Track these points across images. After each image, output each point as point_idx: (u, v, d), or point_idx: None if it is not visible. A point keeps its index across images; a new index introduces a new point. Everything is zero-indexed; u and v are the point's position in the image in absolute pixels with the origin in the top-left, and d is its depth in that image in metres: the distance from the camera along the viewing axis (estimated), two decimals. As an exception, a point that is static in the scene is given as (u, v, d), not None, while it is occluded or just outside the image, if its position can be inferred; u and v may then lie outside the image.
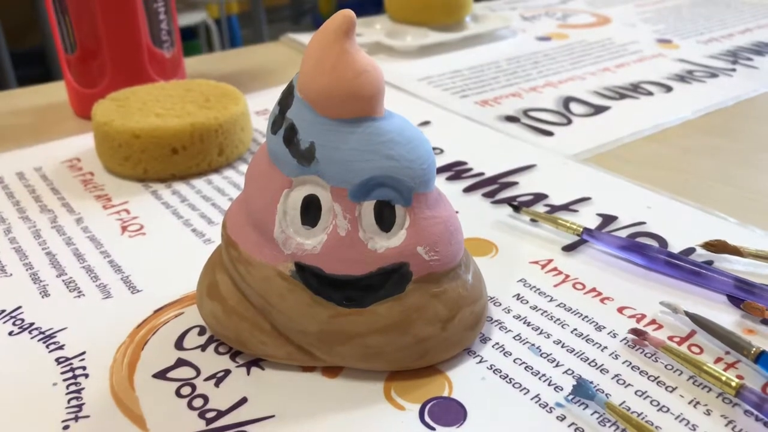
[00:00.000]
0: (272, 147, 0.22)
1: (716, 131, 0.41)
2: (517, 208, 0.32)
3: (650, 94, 0.46)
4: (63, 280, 0.28)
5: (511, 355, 0.24)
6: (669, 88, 0.47)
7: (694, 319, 0.24)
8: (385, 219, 0.21)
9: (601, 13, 0.66)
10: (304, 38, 0.58)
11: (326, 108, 0.21)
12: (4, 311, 0.26)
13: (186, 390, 0.22)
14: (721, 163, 0.37)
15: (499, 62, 0.53)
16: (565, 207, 0.33)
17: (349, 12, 0.21)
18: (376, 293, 0.22)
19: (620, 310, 0.26)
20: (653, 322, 0.25)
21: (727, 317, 0.25)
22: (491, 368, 0.23)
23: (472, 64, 0.53)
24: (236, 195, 0.34)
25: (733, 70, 0.50)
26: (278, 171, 0.22)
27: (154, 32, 0.42)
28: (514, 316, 0.25)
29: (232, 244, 0.23)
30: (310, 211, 0.21)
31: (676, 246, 0.29)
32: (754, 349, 0.23)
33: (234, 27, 2.29)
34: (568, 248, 0.30)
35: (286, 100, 0.22)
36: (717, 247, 0.28)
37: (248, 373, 0.23)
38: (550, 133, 0.41)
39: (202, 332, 0.25)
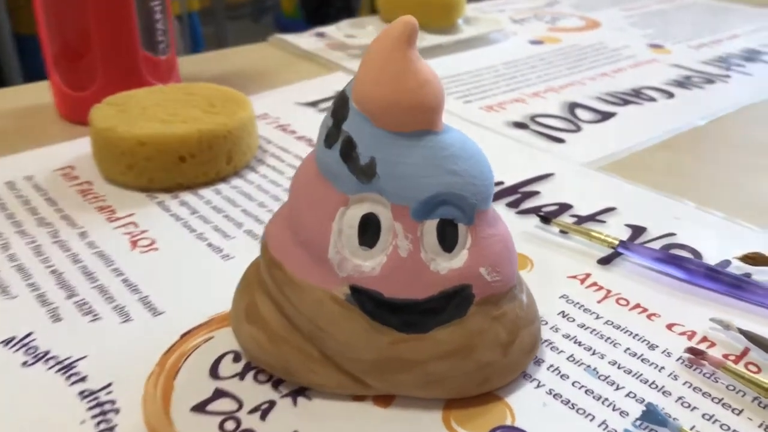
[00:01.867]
0: (326, 162, 0.20)
1: (726, 138, 0.41)
2: (547, 220, 0.31)
3: (653, 100, 0.46)
4: (75, 302, 0.26)
5: (568, 378, 0.23)
6: (670, 94, 0.47)
7: (749, 336, 0.24)
8: (447, 239, 0.20)
9: (590, 16, 0.66)
10: (294, 39, 0.57)
11: (387, 120, 0.19)
12: (13, 338, 0.24)
13: (230, 425, 0.20)
14: (737, 171, 0.37)
15: (496, 66, 0.52)
16: (592, 218, 0.32)
17: (410, 18, 0.19)
18: (437, 317, 0.20)
19: (669, 326, 0.25)
20: (705, 339, 0.24)
21: (776, 333, 0.25)
22: (551, 393, 0.22)
23: (470, 68, 0.52)
24: (248, 206, 0.32)
25: (728, 76, 0.51)
26: (332, 187, 0.20)
27: (149, 32, 0.40)
28: (563, 335, 0.24)
29: (276, 265, 0.21)
30: (369, 231, 0.20)
31: (710, 258, 0.29)
32: (814, 367, 0.22)
33: (195, 24, 2.24)
34: (604, 261, 0.29)
35: (340, 112, 0.20)
36: (755, 259, 0.28)
37: (295, 404, 0.21)
38: (561, 140, 0.40)
39: (237, 358, 0.23)
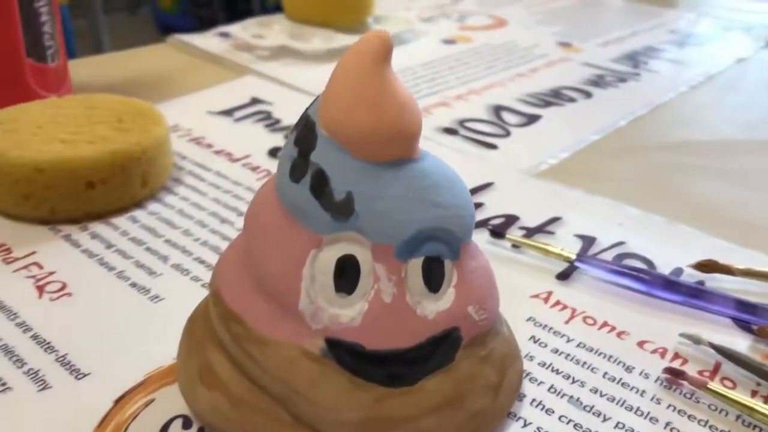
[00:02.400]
0: (292, 198, 0.17)
1: (649, 138, 0.42)
2: (500, 235, 0.29)
3: (573, 100, 0.46)
4: (-25, 370, 0.21)
5: (553, 412, 0.21)
6: (588, 94, 0.47)
7: (720, 350, 0.23)
8: (433, 278, 0.18)
9: (496, 14, 0.65)
10: (195, 40, 0.52)
11: (365, 150, 0.17)
12: None
13: None
14: (668, 172, 0.38)
15: (414, 68, 0.50)
16: (540, 229, 0.31)
17: (385, 34, 0.17)
18: (425, 366, 0.18)
19: (640, 345, 0.24)
20: (677, 355, 0.24)
21: (741, 342, 0.25)
22: (539, 431, 0.20)
23: (386, 69, 0.50)
24: (172, 235, 0.29)
25: (638, 74, 0.52)
26: (301, 228, 0.17)
27: (35, 37, 0.35)
28: (538, 364, 0.23)
29: (235, 318, 0.18)
30: (347, 275, 0.17)
31: (663, 267, 0.29)
32: (789, 379, 0.22)
33: (65, 17, 2.08)
34: (562, 276, 0.28)
35: (306, 140, 0.17)
36: (708, 266, 0.28)
37: (264, 476, 0.18)
38: (493, 146, 0.39)
39: (187, 424, 0.20)
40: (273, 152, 0.36)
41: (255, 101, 0.43)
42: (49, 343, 0.23)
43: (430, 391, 0.18)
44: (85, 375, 0.21)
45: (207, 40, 0.53)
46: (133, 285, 0.26)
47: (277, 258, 0.18)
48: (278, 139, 0.38)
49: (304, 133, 0.18)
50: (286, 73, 0.47)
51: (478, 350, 0.19)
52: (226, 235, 0.29)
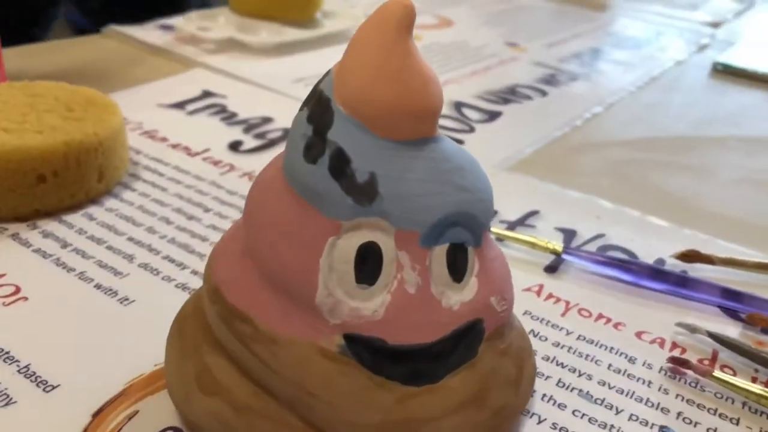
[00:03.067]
0: (307, 180, 0.16)
1: (606, 135, 0.42)
2: (485, 229, 0.28)
3: (530, 98, 0.46)
4: None
5: (566, 407, 0.20)
6: (544, 92, 0.47)
7: (718, 339, 0.23)
8: (458, 266, 0.17)
9: (441, 14, 0.65)
10: (135, 32, 0.49)
11: (388, 127, 0.16)
12: None
13: None
14: (629, 167, 0.38)
15: (368, 63, 0.49)
16: (521, 222, 0.30)
17: (408, 1, 0.16)
18: (448, 362, 0.17)
19: (638, 335, 0.24)
20: (675, 345, 0.24)
21: (731, 329, 0.25)
22: (555, 427, 0.20)
23: (339, 65, 0.48)
24: (135, 233, 0.26)
25: (587, 74, 0.53)
26: (317, 213, 0.16)
27: (-34, 17, 0.32)
28: (542, 358, 0.22)
29: (240, 317, 0.16)
30: (368, 265, 0.16)
31: (645, 257, 0.29)
32: (787, 364, 0.22)
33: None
34: (550, 270, 0.27)
35: (322, 117, 0.16)
36: (691, 257, 0.28)
37: (273, 489, 0.17)
38: (460, 141, 0.38)
39: (179, 437, 0.18)
40: (233, 146, 0.34)
41: (207, 94, 0.40)
42: (7, 352, 0.20)
43: (454, 388, 0.17)
44: (54, 387, 0.19)
45: (148, 32, 0.50)
46: (98, 287, 0.23)
47: (290, 248, 0.16)
48: (237, 133, 0.36)
49: (319, 109, 0.16)
50: (235, 66, 0.45)
51: (497, 343, 0.18)
52: (195, 232, 0.27)
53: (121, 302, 0.23)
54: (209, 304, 0.17)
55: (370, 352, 0.16)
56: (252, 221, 0.17)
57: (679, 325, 0.24)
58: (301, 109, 0.17)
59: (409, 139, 0.16)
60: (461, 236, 0.17)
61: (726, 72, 0.57)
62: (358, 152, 0.16)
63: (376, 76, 0.15)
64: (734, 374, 0.22)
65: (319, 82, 0.17)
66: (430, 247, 0.16)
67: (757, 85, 0.55)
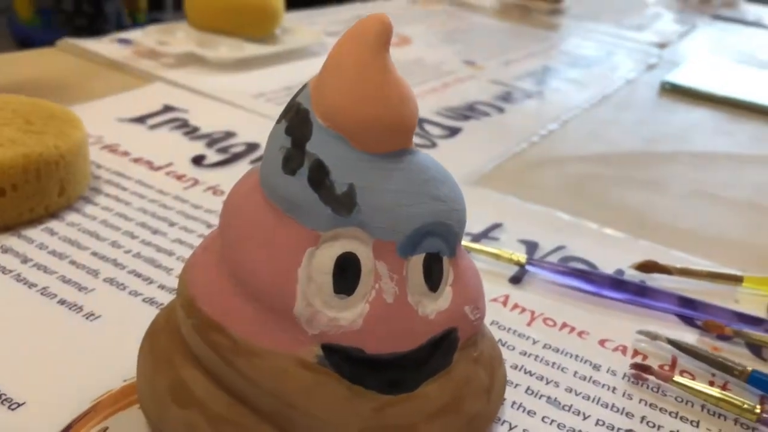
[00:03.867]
0: (286, 191, 0.16)
1: (563, 150, 0.43)
2: (450, 241, 0.29)
3: (488, 115, 0.47)
4: None
5: (535, 414, 0.21)
6: (501, 109, 0.49)
7: (677, 345, 0.24)
8: (433, 276, 0.17)
9: (399, 32, 0.66)
10: (92, 45, 0.48)
11: (366, 140, 0.16)
12: None
13: None
14: (587, 180, 0.39)
15: (329, 79, 0.49)
16: (485, 235, 0.31)
17: (385, 17, 0.16)
18: (425, 370, 0.17)
19: (602, 343, 0.25)
20: (636, 352, 0.24)
21: (689, 336, 0.26)
22: (526, 434, 0.20)
23: (299, 80, 0.48)
24: (98, 247, 0.26)
25: (542, 92, 0.54)
26: (296, 224, 0.16)
27: None
28: (511, 367, 0.23)
29: (216, 328, 0.16)
30: (347, 275, 0.16)
31: (605, 268, 0.29)
32: (741, 369, 0.23)
33: None
34: (515, 280, 0.28)
35: (301, 129, 0.16)
36: (648, 267, 0.29)
37: (250, 503, 0.17)
38: (423, 156, 0.39)
39: (153, 453, 0.18)
40: (196, 160, 0.34)
41: (168, 108, 0.40)
42: (-32, 371, 0.19)
43: (430, 396, 0.17)
44: (19, 405, 0.18)
45: (104, 46, 0.49)
46: (62, 302, 0.23)
47: (269, 258, 0.16)
48: (199, 147, 0.35)
49: (297, 121, 0.16)
50: (195, 80, 0.45)
51: (471, 351, 0.18)
52: (160, 246, 0.26)
53: (87, 318, 0.22)
54: (184, 316, 0.17)
55: (348, 362, 0.16)
56: (229, 232, 0.17)
57: (640, 332, 0.25)
58: (278, 122, 0.17)
59: (387, 152, 0.16)
60: (437, 246, 0.17)
61: (673, 91, 0.60)
62: (336, 164, 0.16)
63: (355, 90, 0.16)
64: (693, 379, 0.23)
65: (297, 95, 0.17)
66: (407, 256, 0.17)
67: (701, 104, 0.58)
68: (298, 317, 0.16)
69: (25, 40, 2.28)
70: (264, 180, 0.17)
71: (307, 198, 0.16)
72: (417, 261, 0.17)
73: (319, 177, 0.16)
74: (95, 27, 1.75)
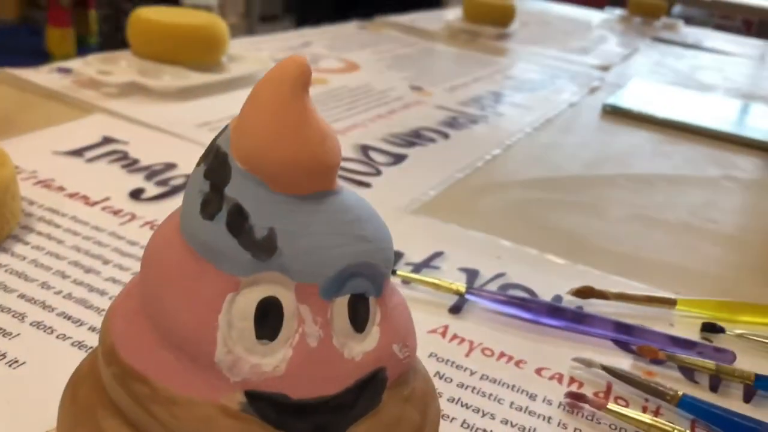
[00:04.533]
0: (204, 237, 0.16)
1: (505, 175, 0.44)
2: (392, 272, 0.29)
3: (433, 140, 0.48)
4: None
5: (471, 448, 0.21)
6: (446, 135, 0.49)
7: (611, 372, 0.25)
8: (359, 317, 0.17)
9: (347, 58, 0.67)
10: (29, 75, 0.47)
11: (286, 183, 0.16)
12: None
13: None
14: (529, 206, 0.40)
15: (275, 107, 0.49)
16: (426, 264, 0.31)
17: (303, 60, 0.16)
18: (352, 413, 0.17)
19: (538, 372, 0.25)
20: (572, 380, 0.25)
21: (624, 361, 0.26)
22: (461, 470, 0.20)
23: (245, 108, 0.48)
24: (27, 289, 0.25)
25: (486, 117, 0.55)
26: (215, 270, 0.16)
27: None
28: (448, 400, 0.23)
29: (136, 377, 0.16)
30: (269, 320, 0.16)
31: (544, 295, 0.30)
32: (672, 393, 0.24)
33: None
34: (454, 310, 0.28)
35: (219, 173, 0.16)
36: (585, 293, 0.29)
37: None
38: (367, 185, 0.39)
39: None
40: (134, 194, 0.33)
41: (107, 140, 0.39)
42: None
43: (358, 439, 0.17)
44: (-69, 463, 0.18)
45: (43, 76, 0.48)
46: (-16, 350, 0.22)
47: (188, 305, 0.16)
48: (138, 180, 0.35)
49: (216, 165, 0.16)
50: (137, 111, 0.44)
51: (401, 390, 0.18)
52: (93, 285, 0.26)
53: (9, 365, 0.21)
54: (104, 365, 0.17)
55: (273, 409, 0.16)
56: (148, 279, 0.17)
57: (576, 360, 0.25)
58: (198, 165, 0.17)
59: (308, 194, 0.16)
60: (362, 286, 0.17)
61: (615, 113, 0.61)
62: (256, 208, 0.16)
63: (274, 133, 0.16)
64: (627, 405, 0.24)
65: (217, 137, 0.17)
66: (331, 299, 0.17)
67: (642, 126, 0.59)
68: (219, 365, 0.16)
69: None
70: (183, 225, 0.16)
71: (227, 243, 0.16)
72: (341, 303, 0.17)
73: (238, 221, 0.16)
74: None
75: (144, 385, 0.16)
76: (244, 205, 0.16)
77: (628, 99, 0.65)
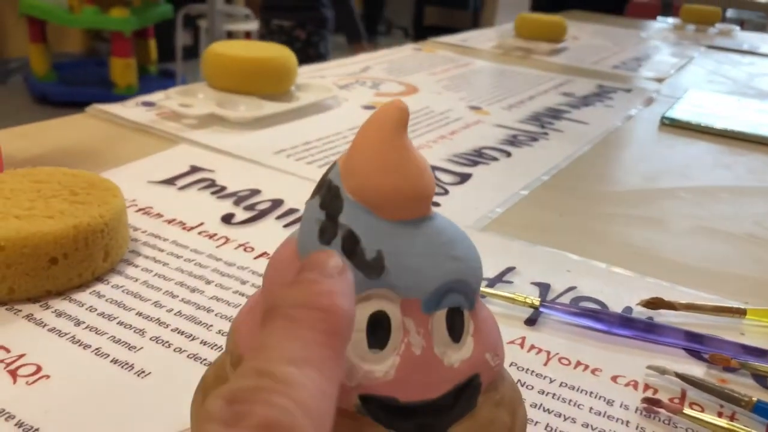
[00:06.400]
0: (323, 260, 0.18)
1: (570, 190, 0.45)
2: (467, 287, 0.31)
3: (496, 159, 0.50)
4: (-40, 466, 0.20)
5: (555, 449, 0.22)
6: (508, 153, 0.51)
7: (686, 379, 0.26)
8: (456, 328, 0.19)
9: (406, 81, 0.69)
10: (118, 110, 0.51)
11: (390, 210, 0.18)
12: None
13: None
14: (595, 221, 0.41)
15: (343, 132, 0.52)
16: (500, 279, 0.33)
17: (402, 103, 0.19)
18: (451, 415, 0.19)
19: (614, 379, 0.26)
20: (647, 386, 0.26)
21: (696, 369, 0.27)
22: (547, 469, 0.22)
23: (317, 135, 0.51)
24: (142, 307, 0.28)
25: (546, 134, 0.56)
26: (332, 288, 0.18)
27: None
28: (530, 405, 0.24)
29: (264, 383, 0.18)
30: (378, 331, 0.18)
31: (615, 306, 0.31)
32: (747, 399, 0.25)
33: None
34: (530, 322, 0.30)
35: (333, 204, 0.18)
36: (655, 304, 0.31)
37: None
38: (436, 204, 0.41)
39: (208, 500, 0.19)
40: (226, 218, 0.36)
41: (195, 169, 0.42)
42: (36, 429, 0.21)
43: (458, 437, 0.19)
44: (85, 460, 0.20)
45: (130, 110, 0.52)
46: (115, 361, 0.25)
47: (309, 319, 0.18)
48: (228, 206, 0.38)
49: (329, 197, 0.18)
50: (218, 140, 0.47)
51: (493, 395, 0.20)
52: (199, 304, 0.28)
53: (138, 375, 0.24)
54: (233, 372, 0.19)
55: (384, 410, 0.18)
56: (272, 297, 0.19)
57: (650, 367, 0.27)
58: (312, 197, 0.19)
59: (409, 219, 0.19)
60: (457, 301, 0.19)
61: (672, 125, 0.62)
62: (366, 233, 0.18)
63: (380, 168, 0.18)
64: (702, 410, 0.25)
65: (327, 172, 0.19)
66: (431, 312, 0.19)
67: (701, 137, 0.60)
68: (337, 371, 0.18)
69: (42, 97, 2.36)
70: (302, 249, 0.19)
71: (342, 265, 0.18)
72: (440, 315, 0.19)
73: (352, 245, 0.18)
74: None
75: (271, 389, 0.18)
76: (356, 231, 0.18)
77: (686, 110, 0.66)
